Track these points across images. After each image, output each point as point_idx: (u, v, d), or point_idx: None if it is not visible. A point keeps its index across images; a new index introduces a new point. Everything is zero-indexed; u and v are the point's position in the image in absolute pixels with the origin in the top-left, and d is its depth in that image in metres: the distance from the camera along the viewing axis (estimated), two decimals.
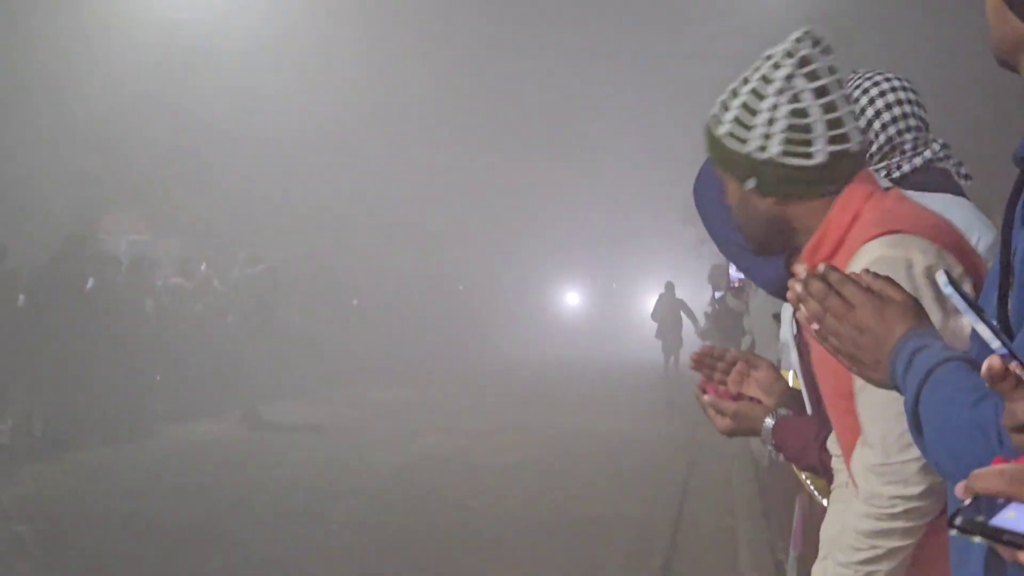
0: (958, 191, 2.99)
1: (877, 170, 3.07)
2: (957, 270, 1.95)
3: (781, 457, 2.66)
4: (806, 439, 2.36)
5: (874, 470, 1.97)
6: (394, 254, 25.13)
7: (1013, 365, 1.20)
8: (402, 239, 25.97)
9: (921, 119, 3.10)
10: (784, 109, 2.06)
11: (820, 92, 2.07)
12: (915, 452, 1.89)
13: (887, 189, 2.14)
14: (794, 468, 2.70)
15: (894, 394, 1.84)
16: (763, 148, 2.08)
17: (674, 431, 14.71)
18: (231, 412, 14.33)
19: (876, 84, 3.09)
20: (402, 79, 22.81)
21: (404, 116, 23.73)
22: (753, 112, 2.09)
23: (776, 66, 2.09)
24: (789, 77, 2.07)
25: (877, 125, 3.06)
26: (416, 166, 25.79)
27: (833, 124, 2.07)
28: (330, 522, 8.80)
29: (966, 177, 3.08)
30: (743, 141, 2.10)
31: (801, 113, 2.06)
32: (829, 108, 2.07)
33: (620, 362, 27.33)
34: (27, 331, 12.26)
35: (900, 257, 1.95)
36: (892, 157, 3.06)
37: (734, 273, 6.73)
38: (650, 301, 34.32)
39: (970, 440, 1.38)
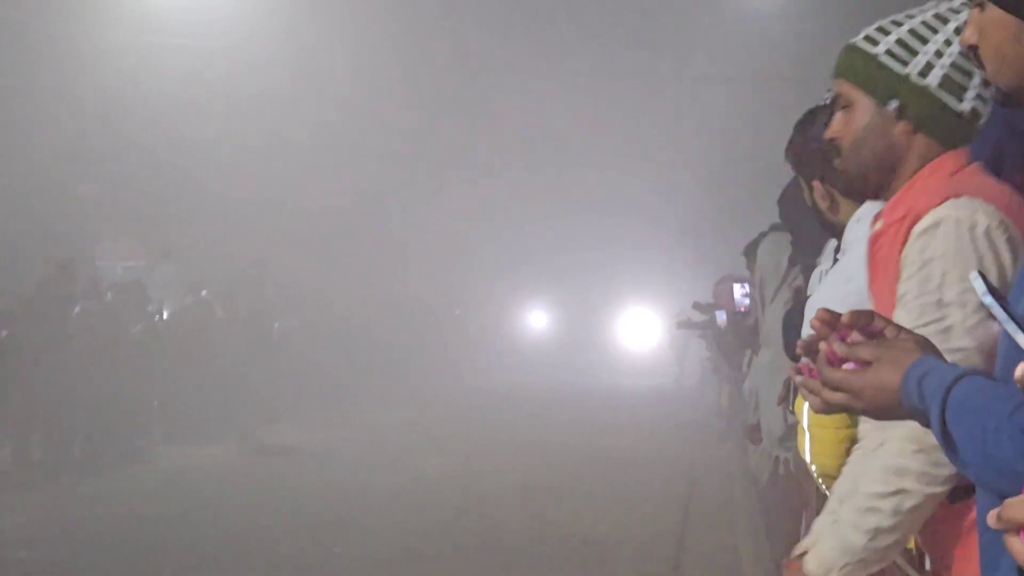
0: None
1: None
2: (1017, 236, 2.01)
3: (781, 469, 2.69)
4: None
5: None
6: (388, 275, 25.09)
7: None
8: (391, 259, 25.85)
9: None
10: (955, 49, 2.15)
11: None
12: None
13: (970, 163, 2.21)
14: (812, 473, 2.73)
15: None
16: (923, 75, 2.16)
17: (673, 451, 14.71)
18: (230, 436, 14.30)
19: None
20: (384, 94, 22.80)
21: (390, 135, 23.65)
22: (923, 40, 2.18)
23: (956, 11, 2.19)
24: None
25: None
26: (406, 184, 25.51)
27: (983, 84, 2.15)
28: (332, 545, 8.79)
29: None
30: (904, 63, 2.18)
31: (967, 58, 2.12)
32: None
33: (612, 386, 27.00)
34: (17, 357, 12.24)
35: (964, 218, 2.02)
36: None
37: (739, 297, 6.68)
38: (629, 323, 32.86)
39: (1015, 448, 1.37)
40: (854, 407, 1.70)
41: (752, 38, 19.58)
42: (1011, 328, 1.28)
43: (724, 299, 9.74)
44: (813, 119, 3.09)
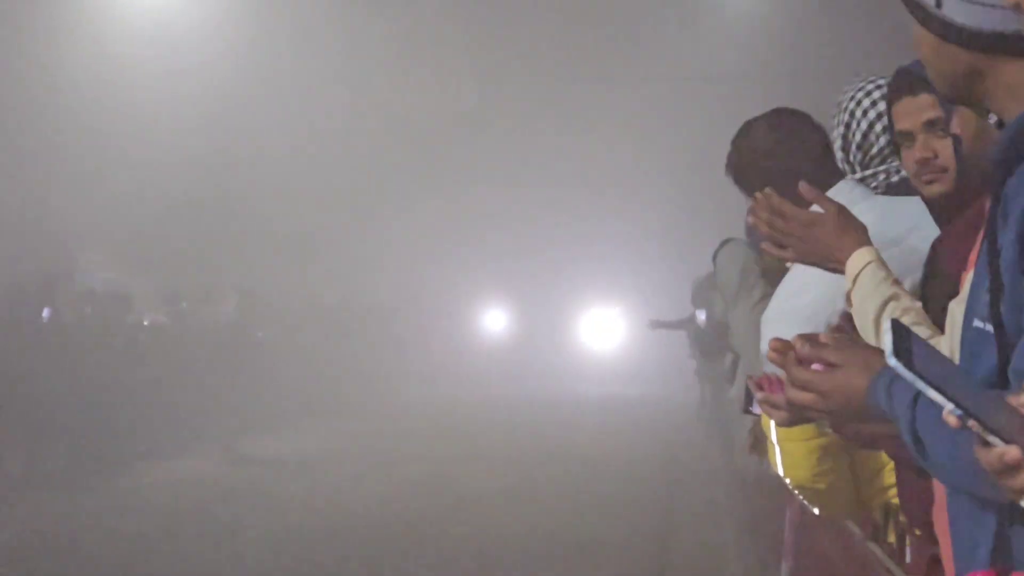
0: None
1: (876, 173, 3.09)
2: None
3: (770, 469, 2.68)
4: None
5: None
6: (359, 283, 24.93)
7: (971, 423, 1.23)
8: (364, 268, 25.56)
9: None
10: None
11: None
12: None
13: None
14: (787, 484, 2.72)
15: None
16: None
17: (653, 454, 14.67)
18: (211, 448, 14.21)
19: (879, 88, 3.10)
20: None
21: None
22: None
23: None
24: None
25: (879, 127, 3.07)
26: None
27: None
28: (317, 553, 8.75)
29: None
30: None
31: None
32: None
33: (582, 393, 25.95)
34: None
35: None
36: (892, 160, 3.07)
37: None
38: (593, 325, 31.33)
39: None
40: (819, 408, 1.72)
41: (728, 37, 19.60)
42: (922, 386, 1.28)
43: (703, 298, 9.70)
44: (748, 132, 3.03)
